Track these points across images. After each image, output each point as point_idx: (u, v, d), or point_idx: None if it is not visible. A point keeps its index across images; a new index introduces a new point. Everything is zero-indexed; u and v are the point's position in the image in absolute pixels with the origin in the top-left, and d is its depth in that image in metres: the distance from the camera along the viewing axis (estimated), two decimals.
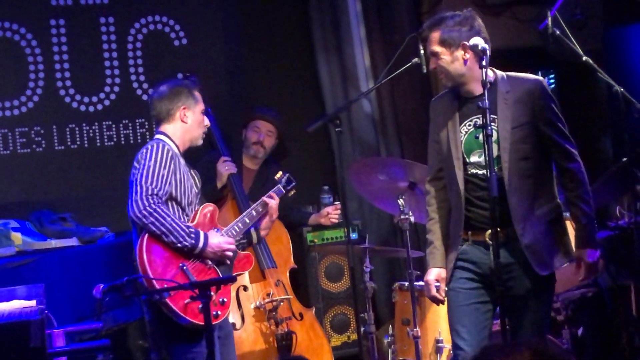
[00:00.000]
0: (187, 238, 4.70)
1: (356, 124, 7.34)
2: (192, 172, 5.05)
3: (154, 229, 4.66)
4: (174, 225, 4.67)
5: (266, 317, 5.98)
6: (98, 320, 5.71)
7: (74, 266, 6.23)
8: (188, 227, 4.74)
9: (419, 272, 5.59)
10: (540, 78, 4.50)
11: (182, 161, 4.92)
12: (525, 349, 2.50)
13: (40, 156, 6.71)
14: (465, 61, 4.36)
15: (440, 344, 5.54)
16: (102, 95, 6.87)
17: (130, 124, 6.92)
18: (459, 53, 4.36)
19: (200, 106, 5.00)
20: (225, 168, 6.12)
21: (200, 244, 4.73)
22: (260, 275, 6.07)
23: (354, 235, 6.68)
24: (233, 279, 4.65)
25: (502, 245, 4.32)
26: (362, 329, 5.81)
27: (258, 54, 7.32)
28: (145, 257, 4.65)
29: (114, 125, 6.87)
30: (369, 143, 7.34)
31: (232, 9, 7.22)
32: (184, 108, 4.93)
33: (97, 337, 5.71)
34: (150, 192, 4.67)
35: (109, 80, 6.89)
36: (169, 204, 4.80)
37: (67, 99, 6.79)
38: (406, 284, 5.62)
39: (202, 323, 4.48)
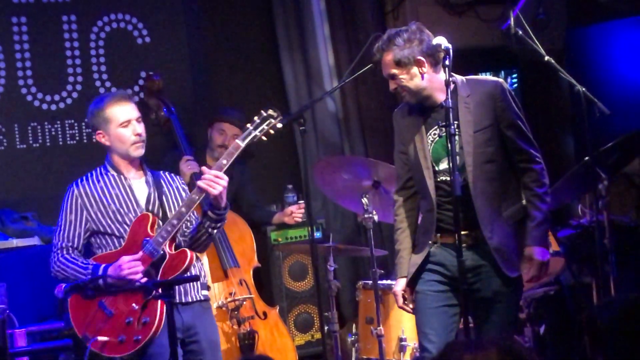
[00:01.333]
0: (88, 277, 4.60)
1: (320, 122, 7.34)
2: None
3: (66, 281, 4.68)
4: (76, 269, 4.64)
5: (228, 316, 5.97)
6: (60, 319, 5.67)
7: (36, 266, 6.16)
8: (86, 266, 4.63)
9: (382, 271, 5.62)
10: (500, 80, 4.50)
11: (122, 177, 4.79)
12: (491, 347, 2.49)
13: (1, 155, 6.64)
14: (422, 75, 4.36)
15: (403, 343, 5.55)
16: (64, 94, 6.81)
17: None
18: (415, 69, 4.35)
19: (117, 121, 4.72)
20: (188, 167, 6.08)
21: (100, 281, 4.56)
22: (222, 274, 6.05)
23: (317, 234, 6.68)
24: (196, 278, 4.62)
25: (471, 247, 4.34)
26: (326, 327, 5.81)
27: (222, 52, 7.30)
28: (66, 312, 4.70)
29: (76, 124, 6.81)
30: (333, 142, 7.34)
31: (195, 7, 7.19)
32: (99, 133, 4.79)
33: (59, 336, 5.67)
34: (56, 248, 4.72)
35: (71, 79, 6.83)
36: (99, 239, 4.74)
37: (29, 97, 6.72)
38: (370, 282, 5.63)
39: (128, 352, 4.51)
